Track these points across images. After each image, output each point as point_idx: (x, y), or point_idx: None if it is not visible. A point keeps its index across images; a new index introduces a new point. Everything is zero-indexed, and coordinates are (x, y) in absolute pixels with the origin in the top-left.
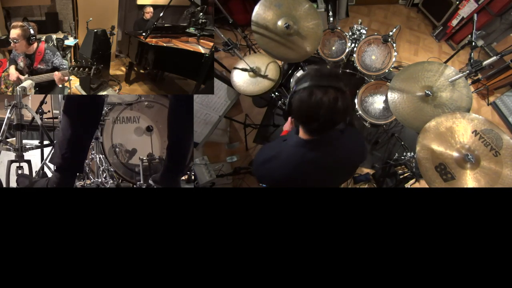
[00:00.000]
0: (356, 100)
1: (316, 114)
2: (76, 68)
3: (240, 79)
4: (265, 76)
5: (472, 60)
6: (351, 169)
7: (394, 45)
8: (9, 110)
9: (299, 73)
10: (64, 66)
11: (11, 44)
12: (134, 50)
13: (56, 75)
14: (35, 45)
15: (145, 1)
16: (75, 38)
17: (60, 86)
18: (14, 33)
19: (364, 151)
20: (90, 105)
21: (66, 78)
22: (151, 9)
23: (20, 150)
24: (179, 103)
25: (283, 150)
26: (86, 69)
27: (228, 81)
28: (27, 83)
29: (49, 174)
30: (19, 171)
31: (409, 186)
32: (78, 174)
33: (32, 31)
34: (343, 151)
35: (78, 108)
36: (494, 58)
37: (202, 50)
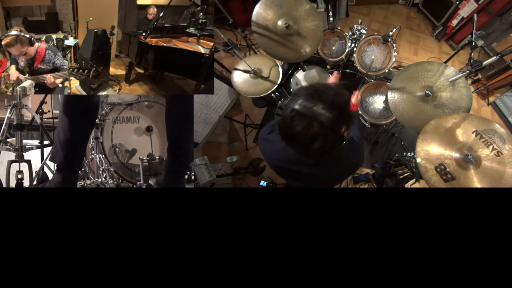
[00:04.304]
0: None
1: (293, 142)
2: (75, 70)
3: (241, 80)
4: (265, 78)
5: (472, 60)
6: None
7: (394, 45)
8: (9, 110)
9: (299, 74)
10: (65, 67)
11: (20, 58)
12: (134, 50)
13: (49, 78)
14: (36, 45)
15: (145, 1)
16: (75, 38)
17: (60, 86)
18: (16, 49)
19: (358, 162)
20: (88, 105)
21: (58, 81)
22: (154, 10)
23: (20, 150)
24: (175, 103)
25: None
26: (86, 71)
27: (228, 81)
28: (27, 83)
29: (49, 174)
30: (19, 176)
31: (409, 186)
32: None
33: (27, 35)
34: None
35: (77, 109)
36: (494, 58)
37: (202, 50)
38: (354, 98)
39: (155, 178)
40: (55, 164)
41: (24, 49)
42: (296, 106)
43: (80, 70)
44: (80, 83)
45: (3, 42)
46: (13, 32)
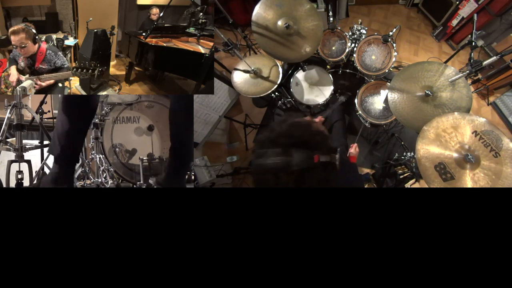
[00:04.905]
0: (356, 100)
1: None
2: (79, 70)
3: (241, 80)
4: (265, 78)
5: (472, 60)
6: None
7: (394, 45)
8: (9, 110)
9: (299, 74)
10: (66, 66)
11: (17, 49)
12: (134, 50)
13: (39, 84)
14: (37, 45)
15: (145, 1)
16: (75, 38)
17: (60, 85)
18: (18, 38)
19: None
20: (86, 99)
21: (44, 83)
22: (157, 10)
23: (20, 150)
24: (180, 103)
25: None
26: (90, 71)
27: (228, 81)
28: (27, 83)
29: None
30: (19, 176)
31: (409, 186)
32: (75, 169)
33: (34, 31)
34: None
35: (75, 102)
36: (494, 58)
37: (202, 50)
38: (353, 149)
39: (155, 178)
40: (53, 156)
41: (26, 42)
42: (258, 166)
43: (84, 70)
44: (80, 83)
45: (11, 29)
46: (23, 24)
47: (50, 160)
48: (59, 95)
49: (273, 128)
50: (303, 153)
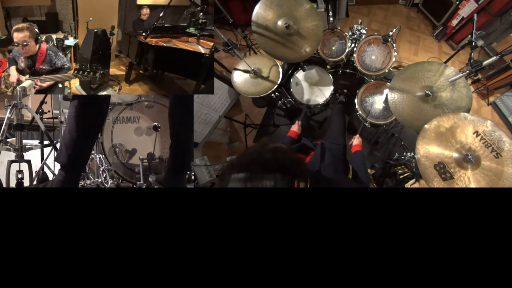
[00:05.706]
0: (356, 100)
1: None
2: (80, 72)
3: (241, 80)
4: (265, 78)
5: (472, 60)
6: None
7: (394, 45)
8: (9, 110)
9: (299, 74)
10: (66, 66)
11: (18, 48)
12: (134, 50)
13: (40, 85)
14: (38, 45)
15: (145, 1)
16: (75, 38)
17: (60, 86)
18: (22, 35)
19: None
20: (95, 106)
21: (44, 84)
22: (147, 11)
23: (20, 150)
24: (179, 102)
25: None
26: (91, 73)
27: (228, 81)
28: (27, 83)
29: (49, 174)
30: (19, 176)
31: (409, 186)
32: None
33: (37, 30)
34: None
35: (84, 110)
36: (494, 58)
37: (202, 50)
38: (355, 139)
39: (155, 175)
40: (59, 164)
41: (29, 40)
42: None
43: (86, 73)
44: (80, 83)
45: (15, 26)
46: (27, 23)
47: (50, 161)
48: (59, 97)
49: (254, 151)
50: (285, 180)
